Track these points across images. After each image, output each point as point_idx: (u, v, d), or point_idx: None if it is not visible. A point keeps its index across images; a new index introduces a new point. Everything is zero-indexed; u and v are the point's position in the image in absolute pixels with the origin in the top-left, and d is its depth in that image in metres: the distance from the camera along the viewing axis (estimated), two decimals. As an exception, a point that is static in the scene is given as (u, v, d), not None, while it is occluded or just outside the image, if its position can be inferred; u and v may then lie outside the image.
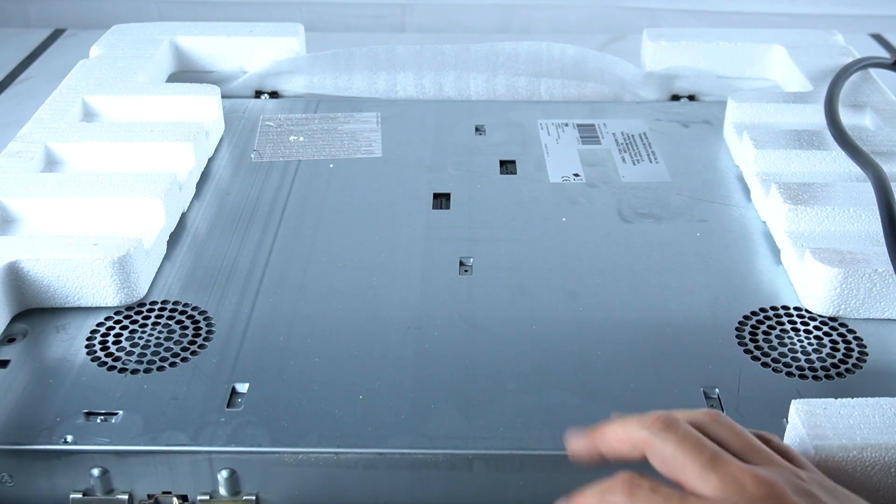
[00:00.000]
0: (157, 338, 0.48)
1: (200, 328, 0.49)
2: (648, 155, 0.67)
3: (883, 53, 0.96)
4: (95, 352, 0.47)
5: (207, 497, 0.42)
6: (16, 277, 0.49)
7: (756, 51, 0.77)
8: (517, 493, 0.42)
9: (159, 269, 0.54)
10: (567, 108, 0.74)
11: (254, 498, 0.42)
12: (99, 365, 0.46)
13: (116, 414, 0.43)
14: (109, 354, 0.47)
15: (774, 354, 0.47)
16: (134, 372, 0.46)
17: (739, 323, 0.49)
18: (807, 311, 0.50)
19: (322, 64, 0.76)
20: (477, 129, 0.71)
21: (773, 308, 0.51)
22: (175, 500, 0.43)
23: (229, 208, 0.60)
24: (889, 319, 0.50)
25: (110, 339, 0.48)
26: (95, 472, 0.42)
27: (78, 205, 0.55)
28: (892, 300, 0.49)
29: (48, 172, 0.60)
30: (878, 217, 0.52)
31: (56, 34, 1.10)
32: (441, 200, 0.61)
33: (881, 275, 0.49)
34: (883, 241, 0.50)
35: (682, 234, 0.57)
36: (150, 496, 0.42)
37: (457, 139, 0.69)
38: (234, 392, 0.45)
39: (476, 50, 0.77)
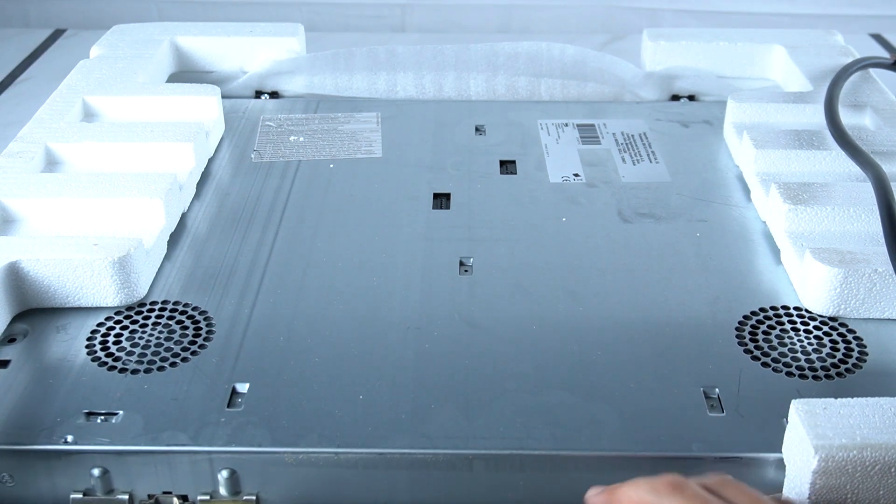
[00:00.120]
0: (158, 338, 0.48)
1: (201, 328, 0.49)
2: (648, 155, 0.67)
3: (883, 53, 0.96)
4: (96, 352, 0.47)
5: (208, 497, 0.42)
6: (16, 277, 0.49)
7: (756, 51, 0.77)
8: (517, 493, 0.42)
9: (159, 269, 0.54)
10: (567, 108, 0.74)
11: (254, 498, 0.42)
12: (99, 365, 0.46)
13: (117, 414, 0.43)
14: (110, 354, 0.47)
15: (774, 354, 0.47)
16: (134, 372, 0.46)
17: (739, 323, 0.49)
18: (807, 310, 0.50)
19: (322, 64, 0.76)
20: (477, 129, 0.71)
21: (773, 308, 0.51)
22: (175, 500, 0.43)
23: (229, 208, 0.60)
24: (889, 319, 0.50)
25: (110, 339, 0.48)
26: (96, 472, 0.42)
27: (78, 205, 0.55)
28: (892, 300, 0.49)
29: (48, 172, 0.60)
30: (878, 217, 0.52)
31: (56, 34, 1.10)
32: (441, 200, 0.61)
33: (881, 275, 0.49)
34: (883, 240, 0.50)
35: (682, 234, 0.57)
36: (150, 496, 0.42)
37: (457, 139, 0.69)
38: (234, 392, 0.45)
39: (476, 50, 0.77)
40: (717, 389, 0.45)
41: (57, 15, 1.15)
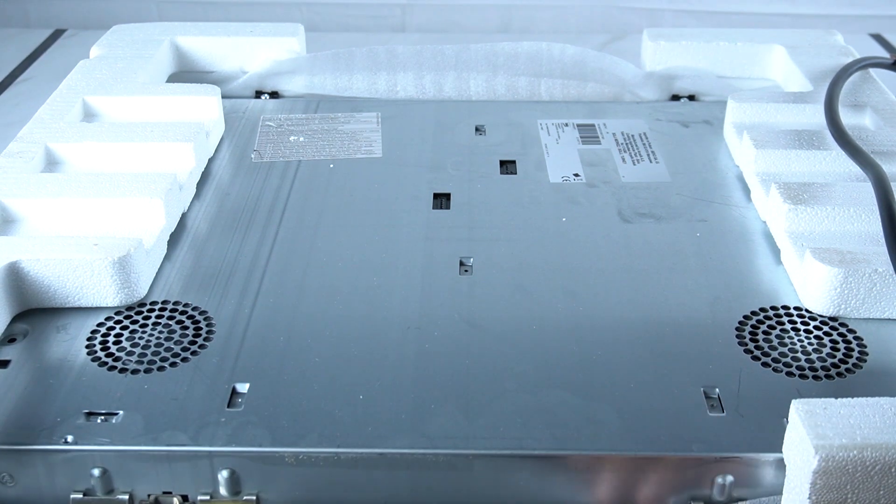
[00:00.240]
0: (158, 338, 0.48)
1: (201, 328, 0.49)
2: (648, 155, 0.67)
3: (883, 53, 0.96)
4: (96, 352, 0.47)
5: (208, 497, 0.42)
6: (16, 277, 0.49)
7: (756, 51, 0.77)
8: (517, 493, 0.42)
9: (159, 269, 0.54)
10: (567, 108, 0.74)
11: (254, 498, 0.42)
12: (99, 365, 0.46)
13: (117, 414, 0.43)
14: (110, 354, 0.47)
15: (774, 354, 0.47)
16: (134, 372, 0.46)
17: (739, 323, 0.49)
18: (807, 310, 0.50)
19: (322, 64, 0.76)
20: (477, 129, 0.71)
21: (773, 308, 0.51)
22: (175, 500, 0.43)
23: (229, 208, 0.60)
24: (889, 319, 0.50)
25: (111, 339, 0.48)
26: (96, 472, 0.42)
27: (78, 205, 0.55)
28: (893, 300, 0.49)
29: (48, 172, 0.60)
30: (878, 217, 0.52)
31: (56, 34, 1.10)
32: (441, 200, 0.61)
33: (881, 275, 0.49)
34: (883, 240, 0.50)
35: (682, 234, 0.57)
36: (150, 496, 0.42)
37: (457, 139, 0.69)
38: (234, 392, 0.45)
39: (476, 50, 0.77)
40: (717, 389, 0.45)
41: (57, 15, 1.15)
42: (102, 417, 0.43)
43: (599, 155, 0.67)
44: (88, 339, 0.48)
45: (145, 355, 0.47)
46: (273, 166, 0.65)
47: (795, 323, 0.49)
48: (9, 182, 0.56)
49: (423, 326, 0.49)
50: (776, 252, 0.55)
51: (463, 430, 0.42)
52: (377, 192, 0.62)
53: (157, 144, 0.61)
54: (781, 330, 0.49)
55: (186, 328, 0.49)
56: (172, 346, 0.48)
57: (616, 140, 0.69)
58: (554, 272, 0.54)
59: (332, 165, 0.65)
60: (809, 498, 0.38)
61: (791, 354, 0.47)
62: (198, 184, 0.62)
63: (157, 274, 0.53)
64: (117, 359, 0.47)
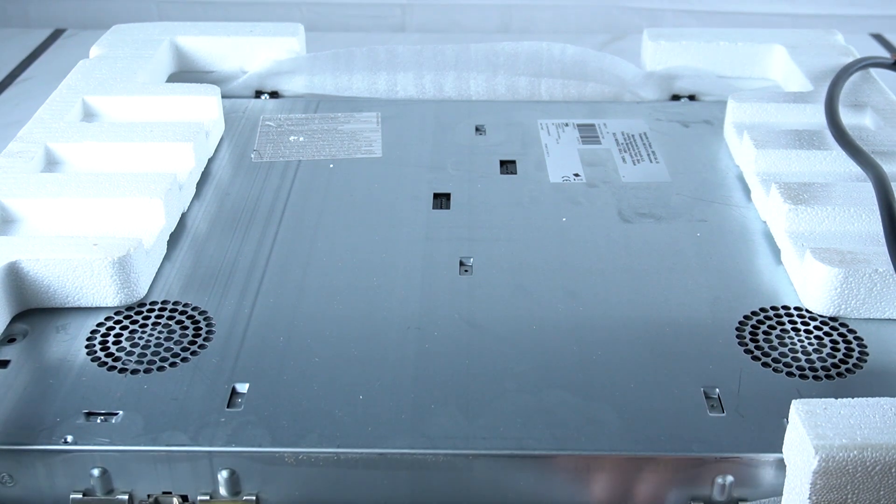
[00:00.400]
0: (157, 338, 0.48)
1: (200, 328, 0.49)
2: (648, 155, 0.67)
3: (883, 53, 0.96)
4: (95, 352, 0.47)
5: (208, 497, 0.42)
6: (16, 277, 0.49)
7: (756, 51, 0.77)
8: (517, 493, 0.42)
9: (159, 269, 0.54)
10: (567, 108, 0.74)
11: (254, 498, 0.42)
12: (99, 365, 0.46)
13: (116, 414, 0.43)
14: (109, 354, 0.47)
15: (775, 354, 0.47)
16: (134, 372, 0.46)
17: (740, 323, 0.49)
18: (807, 310, 0.50)
19: (322, 64, 0.76)
20: (477, 129, 0.70)
21: (773, 308, 0.50)
22: (175, 500, 0.43)
23: (229, 208, 0.60)
24: (889, 319, 0.50)
25: (110, 339, 0.48)
26: (95, 472, 0.42)
27: (78, 205, 0.55)
28: (893, 300, 0.49)
29: (48, 172, 0.60)
30: (879, 217, 0.51)
31: (56, 34, 1.10)
32: (441, 200, 0.61)
33: (881, 275, 0.49)
34: (883, 240, 0.50)
35: (682, 234, 0.57)
36: (150, 496, 0.42)
37: (457, 139, 0.69)
38: (234, 392, 0.45)
39: (476, 50, 0.77)
40: (717, 389, 0.45)
41: (57, 15, 1.15)
42: (102, 417, 0.43)
43: (599, 155, 0.67)
44: (88, 339, 0.48)
45: (145, 355, 0.47)
46: (273, 166, 0.65)
47: (795, 323, 0.49)
48: (9, 182, 0.56)
49: (423, 326, 0.49)
50: (776, 252, 0.55)
51: (463, 430, 0.42)
52: (377, 192, 0.62)
53: (157, 144, 0.61)
54: (782, 330, 0.49)
55: (186, 328, 0.49)
56: (172, 346, 0.48)
57: (616, 140, 0.69)
58: (554, 272, 0.54)
59: (332, 165, 0.65)
60: (809, 498, 0.37)
61: (791, 354, 0.47)
62: (198, 184, 0.62)
63: (157, 274, 0.53)
64: (117, 359, 0.47)
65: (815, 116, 0.65)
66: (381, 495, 0.42)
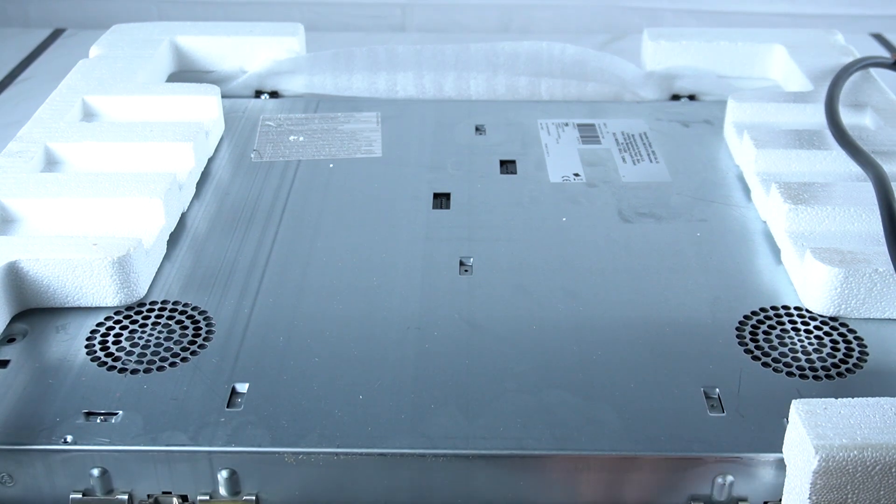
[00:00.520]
0: (157, 338, 0.48)
1: (200, 328, 0.49)
2: (648, 155, 0.67)
3: (883, 53, 0.96)
4: (95, 352, 0.47)
5: (207, 497, 0.42)
6: (16, 277, 0.49)
7: (756, 50, 0.77)
8: (517, 493, 0.42)
9: (159, 269, 0.54)
10: (567, 108, 0.74)
11: (254, 498, 0.42)
12: (99, 365, 0.46)
13: (116, 414, 0.43)
14: (109, 354, 0.47)
15: (775, 354, 0.47)
16: (134, 372, 0.46)
17: (740, 323, 0.49)
18: (807, 310, 0.50)
19: (322, 64, 0.76)
20: (477, 129, 0.70)
21: (773, 308, 0.50)
22: (175, 500, 0.42)
23: (229, 208, 0.60)
24: (890, 319, 0.49)
25: (110, 339, 0.48)
26: (95, 472, 0.42)
27: (78, 205, 0.55)
28: (893, 300, 0.49)
29: (48, 172, 0.60)
30: (879, 217, 0.51)
31: (56, 34, 1.10)
32: (441, 200, 0.61)
33: (882, 275, 0.49)
34: (883, 240, 0.50)
35: (682, 234, 0.57)
36: (149, 496, 0.42)
37: (457, 139, 0.69)
38: (234, 392, 0.45)
39: (476, 50, 0.77)
40: (717, 389, 0.45)
41: (57, 14, 1.15)
42: (102, 417, 0.43)
43: (599, 155, 0.67)
44: (88, 339, 0.48)
45: (145, 355, 0.47)
46: (273, 166, 0.65)
47: (796, 323, 0.49)
48: (8, 182, 0.56)
49: (423, 326, 0.49)
50: (776, 252, 0.55)
51: (463, 430, 0.42)
52: (377, 192, 0.62)
53: (157, 144, 0.61)
54: (782, 330, 0.49)
55: (186, 328, 0.49)
56: (172, 346, 0.48)
57: (616, 140, 0.69)
58: (554, 272, 0.54)
59: (331, 165, 0.65)
60: (810, 498, 0.37)
61: (791, 354, 0.47)
62: (197, 183, 0.62)
63: (157, 274, 0.53)
64: (117, 359, 0.47)
65: (815, 116, 0.65)
66: (381, 495, 0.42)
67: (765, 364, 0.46)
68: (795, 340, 0.48)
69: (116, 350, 0.47)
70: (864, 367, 0.46)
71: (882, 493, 0.37)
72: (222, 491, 0.42)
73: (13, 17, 1.16)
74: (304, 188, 0.62)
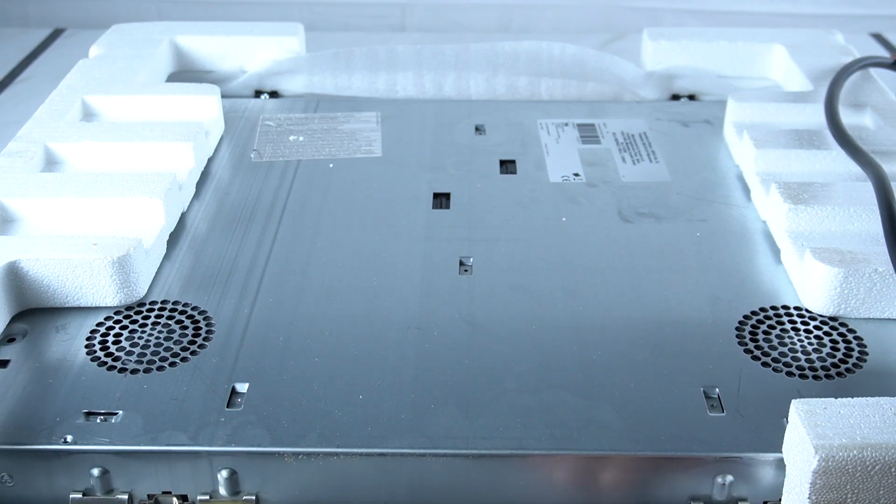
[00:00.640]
0: (157, 338, 0.48)
1: (200, 328, 0.49)
2: (648, 154, 0.67)
3: (883, 53, 0.96)
4: (95, 352, 0.47)
5: (207, 497, 0.42)
6: (16, 277, 0.49)
7: (756, 50, 0.77)
8: (517, 493, 0.42)
9: (159, 268, 0.54)
10: (567, 108, 0.74)
11: (254, 498, 0.42)
12: (99, 365, 0.46)
13: (116, 414, 0.43)
14: (109, 354, 0.47)
15: (774, 354, 0.47)
16: (134, 372, 0.46)
17: (739, 323, 0.49)
18: (807, 310, 0.50)
19: (322, 64, 0.76)
20: (477, 129, 0.70)
21: (773, 308, 0.50)
22: (175, 500, 0.43)
23: (229, 208, 0.60)
24: (889, 319, 0.50)
25: (110, 338, 0.48)
26: (95, 472, 0.42)
27: (78, 205, 0.55)
28: (893, 300, 0.49)
29: (48, 172, 0.60)
30: (879, 217, 0.51)
31: (56, 34, 1.10)
32: (441, 200, 0.61)
33: (881, 274, 0.49)
34: (883, 240, 0.50)
35: (682, 233, 0.57)
36: (150, 496, 0.42)
37: (457, 139, 0.69)
38: (234, 392, 0.45)
39: (476, 50, 0.77)
40: (717, 389, 0.45)
41: (56, 14, 1.15)
42: (102, 417, 0.43)
43: (599, 155, 0.67)
44: (88, 339, 0.48)
45: (145, 355, 0.47)
46: (273, 166, 0.65)
47: (795, 323, 0.49)
48: (8, 182, 0.56)
49: (423, 326, 0.49)
50: (776, 252, 0.55)
51: (463, 430, 0.42)
52: (377, 192, 0.62)
53: (157, 144, 0.61)
54: (781, 330, 0.49)
55: (186, 328, 0.49)
56: (172, 346, 0.48)
57: (616, 140, 0.69)
58: (554, 272, 0.54)
59: (331, 165, 0.65)
60: (809, 498, 0.37)
61: (791, 354, 0.47)
62: (197, 183, 0.62)
63: (157, 274, 0.53)
64: (117, 358, 0.47)
65: (814, 116, 0.65)
66: (381, 495, 0.42)
67: (764, 364, 0.46)
68: (795, 340, 0.48)
69: (116, 350, 0.47)
70: (863, 366, 0.46)
71: (882, 492, 0.37)
72: (222, 491, 0.42)
73: (13, 17, 1.16)
74: (304, 188, 0.62)
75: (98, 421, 0.43)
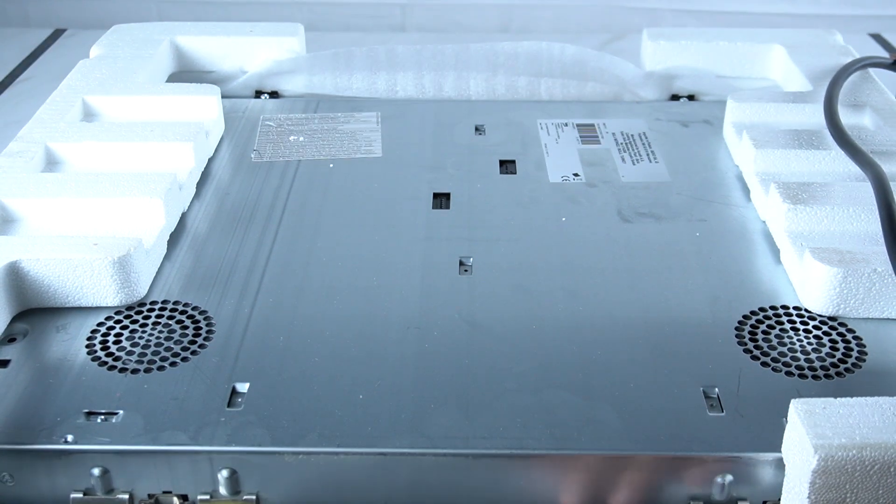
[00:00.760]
0: (158, 338, 0.48)
1: (200, 328, 0.49)
2: (648, 155, 0.67)
3: (883, 53, 0.96)
4: (96, 351, 0.47)
5: (208, 497, 0.42)
6: (16, 277, 0.49)
7: (756, 50, 0.77)
8: (517, 493, 0.42)
9: (159, 268, 0.54)
10: (567, 108, 0.74)
11: (254, 498, 0.42)
12: (99, 365, 0.46)
13: (117, 414, 0.43)
14: (110, 354, 0.47)
15: (774, 354, 0.47)
16: (134, 372, 0.46)
17: (739, 322, 0.49)
18: (806, 310, 0.50)
19: (322, 64, 0.76)
20: (477, 129, 0.71)
21: (772, 308, 0.51)
22: (175, 499, 0.43)
23: (229, 208, 0.60)
24: (889, 319, 0.50)
25: (110, 338, 0.48)
26: (96, 471, 0.42)
27: (78, 205, 0.55)
28: (892, 300, 0.49)
29: (48, 172, 0.60)
30: (878, 217, 0.52)
31: (56, 34, 1.10)
32: (441, 200, 0.61)
33: (880, 274, 0.49)
34: (882, 240, 0.50)
35: (681, 233, 0.57)
36: (150, 496, 0.42)
37: (457, 139, 0.69)
38: (234, 392, 0.45)
39: (476, 50, 0.77)
40: (716, 389, 0.45)
41: (57, 15, 1.15)
42: (102, 417, 0.43)
43: (599, 155, 0.67)
44: (88, 339, 0.48)
45: (145, 355, 0.47)
46: (273, 166, 0.65)
47: (795, 323, 0.49)
48: (9, 182, 0.56)
49: (423, 326, 0.49)
50: (776, 252, 0.55)
51: (463, 430, 0.42)
52: (377, 192, 0.62)
53: (157, 144, 0.61)
54: (781, 330, 0.49)
55: (186, 328, 0.49)
56: (172, 346, 0.48)
57: (616, 140, 0.69)
58: (554, 272, 0.54)
59: (331, 165, 0.65)
60: (809, 497, 0.38)
61: (790, 354, 0.47)
62: (198, 183, 0.62)
63: (157, 274, 0.53)
64: (117, 358, 0.47)
65: (814, 116, 0.65)
66: (381, 495, 0.42)
67: (764, 364, 0.47)
68: (794, 340, 0.48)
69: (117, 350, 0.47)
70: (862, 366, 0.46)
71: (881, 492, 0.37)
72: (222, 490, 0.42)
73: (13, 17, 1.16)
74: (304, 188, 0.62)
75: (98, 421, 0.43)
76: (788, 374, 0.46)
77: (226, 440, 0.42)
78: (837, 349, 0.47)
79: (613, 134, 0.70)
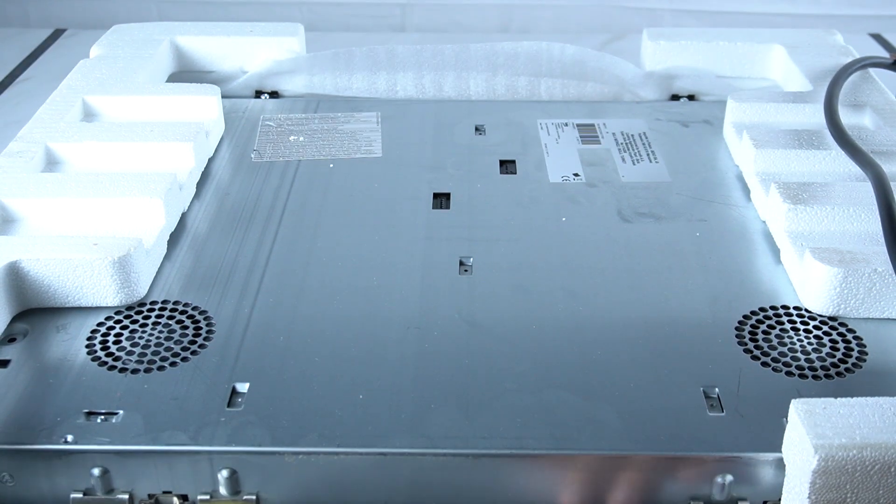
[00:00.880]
0: (158, 338, 0.48)
1: (200, 328, 0.49)
2: (648, 155, 0.67)
3: (883, 53, 0.96)
4: (96, 351, 0.47)
5: (208, 497, 0.42)
6: (16, 277, 0.49)
7: (756, 50, 0.77)
8: (517, 493, 0.42)
9: (159, 268, 0.54)
10: (567, 108, 0.74)
11: (254, 498, 0.42)
12: (99, 365, 0.46)
13: (117, 414, 0.43)
14: (110, 354, 0.47)
15: (774, 354, 0.47)
16: (134, 372, 0.46)
17: (739, 322, 0.49)
18: (806, 310, 0.50)
19: (322, 64, 0.76)
20: (477, 129, 0.71)
21: (772, 307, 0.51)
22: (175, 499, 0.43)
23: (229, 208, 0.60)
24: (889, 319, 0.50)
25: (110, 338, 0.48)
26: (96, 471, 0.42)
27: (78, 205, 0.55)
28: (892, 300, 0.49)
29: (48, 172, 0.60)
30: (878, 217, 0.52)
31: (56, 34, 1.10)
32: (441, 200, 0.61)
33: (881, 274, 0.49)
34: (882, 240, 0.50)
35: (681, 233, 0.57)
36: (150, 496, 0.42)
37: (457, 139, 0.69)
38: (234, 392, 0.45)
39: (476, 50, 0.77)
40: (716, 389, 0.45)
41: (57, 15, 1.15)
42: (102, 417, 0.43)
43: (599, 155, 0.67)
44: (88, 339, 0.48)
45: (145, 355, 0.47)
46: (273, 166, 0.65)
47: (795, 323, 0.49)
48: (9, 182, 0.56)
49: (423, 326, 0.49)
50: (776, 252, 0.55)
51: (463, 430, 0.42)
52: (377, 192, 0.62)
53: (157, 144, 0.61)
54: (781, 330, 0.49)
55: (186, 328, 0.49)
56: (172, 346, 0.48)
57: (616, 140, 0.69)
58: (554, 272, 0.54)
59: (331, 165, 0.65)
60: (809, 497, 0.38)
61: (791, 354, 0.47)
62: (198, 184, 0.62)
63: (157, 274, 0.53)
64: (117, 358, 0.47)
65: (814, 116, 0.65)
66: (381, 495, 0.42)
67: (764, 364, 0.47)
68: (795, 340, 0.48)
69: (117, 350, 0.47)
70: (863, 366, 0.46)
71: (881, 492, 0.37)
72: (222, 490, 0.42)
73: (13, 17, 1.16)
74: (304, 188, 0.62)
75: (98, 421, 0.43)
76: (789, 374, 0.46)
77: (226, 440, 0.42)
78: (838, 349, 0.47)
79: (613, 134, 0.70)
